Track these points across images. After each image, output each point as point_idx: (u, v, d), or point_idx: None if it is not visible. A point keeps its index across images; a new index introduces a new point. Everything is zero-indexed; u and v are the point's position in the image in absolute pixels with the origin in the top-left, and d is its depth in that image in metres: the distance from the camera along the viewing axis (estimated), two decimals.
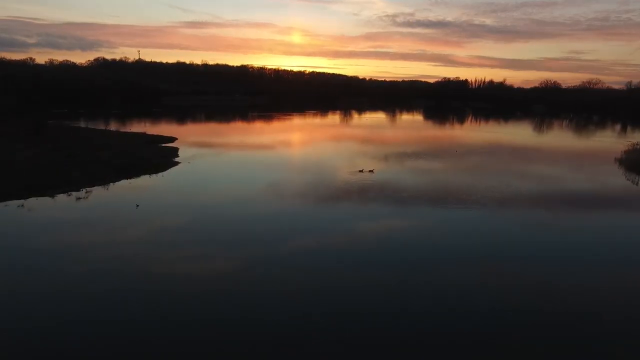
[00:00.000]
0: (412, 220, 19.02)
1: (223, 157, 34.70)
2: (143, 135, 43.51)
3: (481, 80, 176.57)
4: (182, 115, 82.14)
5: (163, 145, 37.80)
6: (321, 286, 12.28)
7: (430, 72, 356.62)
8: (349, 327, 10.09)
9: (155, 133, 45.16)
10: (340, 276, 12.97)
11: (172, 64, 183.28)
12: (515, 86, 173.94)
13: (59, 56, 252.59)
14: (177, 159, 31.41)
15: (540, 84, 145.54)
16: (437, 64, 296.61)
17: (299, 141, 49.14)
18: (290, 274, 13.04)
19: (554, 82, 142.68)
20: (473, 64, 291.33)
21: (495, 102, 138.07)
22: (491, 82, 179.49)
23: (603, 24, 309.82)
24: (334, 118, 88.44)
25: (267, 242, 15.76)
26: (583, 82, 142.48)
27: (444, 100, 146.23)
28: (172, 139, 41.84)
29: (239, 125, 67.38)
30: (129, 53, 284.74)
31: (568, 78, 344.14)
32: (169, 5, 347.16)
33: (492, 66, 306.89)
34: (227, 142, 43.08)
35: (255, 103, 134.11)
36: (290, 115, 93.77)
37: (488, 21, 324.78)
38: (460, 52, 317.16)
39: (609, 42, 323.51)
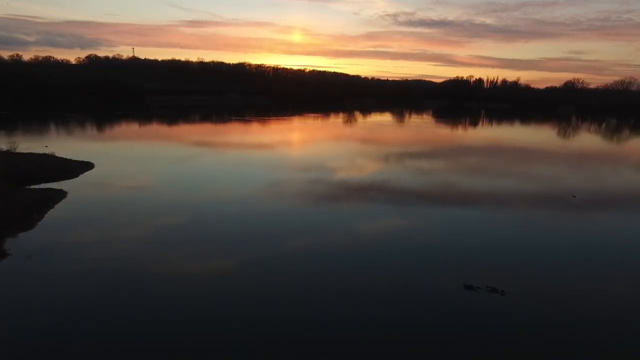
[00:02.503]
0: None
1: (135, 224, 15.97)
2: (43, 158, 25.59)
3: (494, 79, 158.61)
4: (154, 118, 64.22)
5: (45, 186, 19.85)
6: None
7: (430, 71, 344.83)
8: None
9: (68, 155, 27.27)
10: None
11: (165, 62, 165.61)
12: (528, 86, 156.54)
13: (58, 55, 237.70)
14: (20, 239, 13.56)
15: (565, 83, 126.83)
16: (437, 63, 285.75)
17: (301, 176, 25.76)
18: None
19: (580, 81, 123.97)
20: (473, 64, 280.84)
21: (513, 102, 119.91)
22: (504, 82, 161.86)
23: (604, 24, 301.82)
24: (340, 121, 70.13)
25: None
26: (615, 81, 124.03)
27: (457, 101, 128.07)
28: (84, 167, 23.93)
29: (216, 134, 48.95)
30: (128, 52, 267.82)
31: (568, 78, 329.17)
32: (168, 4, 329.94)
33: (492, 66, 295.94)
34: (173, 177, 23.86)
35: (253, 103, 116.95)
36: (288, 118, 75.91)
37: (489, 21, 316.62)
38: (460, 52, 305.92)
39: (609, 42, 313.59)
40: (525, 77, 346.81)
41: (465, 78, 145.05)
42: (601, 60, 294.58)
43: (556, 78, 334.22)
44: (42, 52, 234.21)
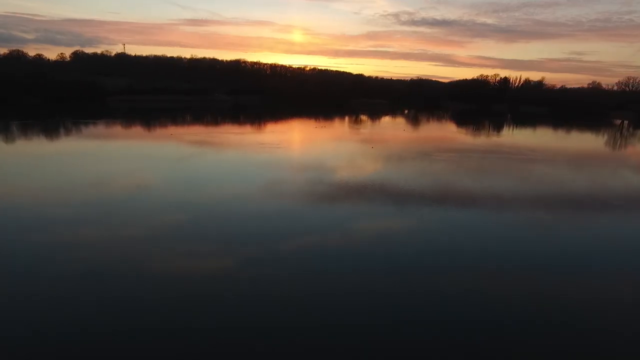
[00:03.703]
0: None
1: None
2: None
3: (516, 78, 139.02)
4: (100, 124, 45.31)
5: None
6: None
7: (431, 72, 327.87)
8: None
9: None
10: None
11: (151, 58, 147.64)
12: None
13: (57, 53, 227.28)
14: None
15: (618, 82, 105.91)
16: (437, 63, 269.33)
17: None
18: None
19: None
20: (474, 64, 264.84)
21: (553, 106, 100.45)
22: (527, 81, 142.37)
23: (605, 25, 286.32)
24: (352, 132, 51.27)
25: None
26: None
27: (483, 103, 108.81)
28: None
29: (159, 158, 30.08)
30: (127, 50, 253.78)
31: (568, 79, 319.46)
32: (169, 2, 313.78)
33: (493, 66, 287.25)
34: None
35: (244, 104, 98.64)
36: (284, 122, 57.33)
37: (490, 21, 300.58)
38: (461, 52, 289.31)
39: (610, 43, 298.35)
40: (526, 78, 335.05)
41: (489, 77, 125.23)
42: (602, 61, 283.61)
43: (557, 79, 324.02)
44: (41, 50, 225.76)
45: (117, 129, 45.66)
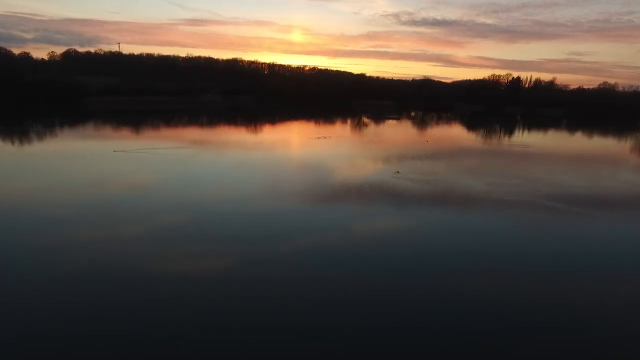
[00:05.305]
0: None
1: None
2: None
3: (526, 78, 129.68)
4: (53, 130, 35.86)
5: None
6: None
7: (430, 72, 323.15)
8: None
9: None
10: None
11: (144, 57, 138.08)
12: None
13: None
14: None
15: None
16: (437, 64, 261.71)
17: None
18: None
19: None
20: (473, 65, 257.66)
21: (571, 108, 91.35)
22: (538, 81, 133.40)
23: (604, 26, 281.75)
24: (357, 140, 41.83)
25: None
26: None
27: (496, 105, 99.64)
28: None
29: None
30: (126, 49, 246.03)
31: (568, 80, 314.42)
32: (168, 2, 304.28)
33: (492, 67, 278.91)
34: None
35: (239, 105, 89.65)
36: (278, 125, 48.21)
37: (489, 21, 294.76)
38: (460, 53, 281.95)
39: (610, 44, 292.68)
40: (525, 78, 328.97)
41: (501, 77, 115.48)
42: (601, 61, 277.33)
43: (557, 80, 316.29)
44: (40, 50, 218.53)
45: (62, 134, 36.36)
